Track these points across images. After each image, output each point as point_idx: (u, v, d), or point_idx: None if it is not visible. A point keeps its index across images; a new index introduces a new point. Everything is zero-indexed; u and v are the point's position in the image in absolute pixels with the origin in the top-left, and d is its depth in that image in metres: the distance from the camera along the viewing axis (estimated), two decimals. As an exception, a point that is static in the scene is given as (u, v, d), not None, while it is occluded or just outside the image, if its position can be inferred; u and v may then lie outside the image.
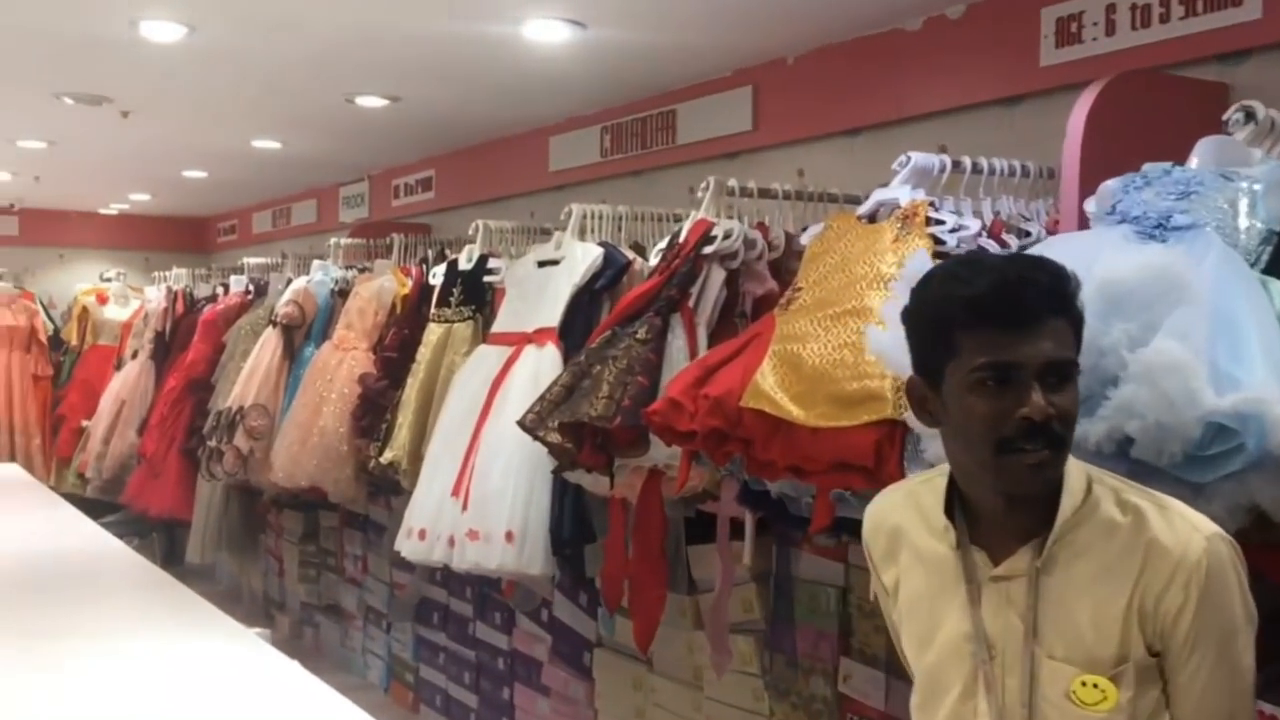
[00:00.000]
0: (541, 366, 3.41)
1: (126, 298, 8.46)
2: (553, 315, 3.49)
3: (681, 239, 3.09)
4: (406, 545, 3.54)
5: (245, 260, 6.58)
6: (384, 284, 4.77)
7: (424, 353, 4.20)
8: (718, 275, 2.93)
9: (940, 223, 2.36)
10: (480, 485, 3.33)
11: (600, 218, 3.71)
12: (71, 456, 7.76)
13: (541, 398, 2.95)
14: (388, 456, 4.15)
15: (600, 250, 3.49)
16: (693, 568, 3.42)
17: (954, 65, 3.14)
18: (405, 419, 4.14)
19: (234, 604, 7.03)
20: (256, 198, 7.88)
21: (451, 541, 3.38)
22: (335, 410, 4.57)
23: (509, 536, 3.23)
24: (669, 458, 2.72)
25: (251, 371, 5.20)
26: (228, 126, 5.27)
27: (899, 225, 2.40)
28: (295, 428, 4.64)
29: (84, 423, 7.79)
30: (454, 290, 4.22)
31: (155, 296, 7.68)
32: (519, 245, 4.34)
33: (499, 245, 4.29)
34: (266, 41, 3.88)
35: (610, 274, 3.48)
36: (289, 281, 5.80)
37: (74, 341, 8.47)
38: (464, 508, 3.35)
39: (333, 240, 5.43)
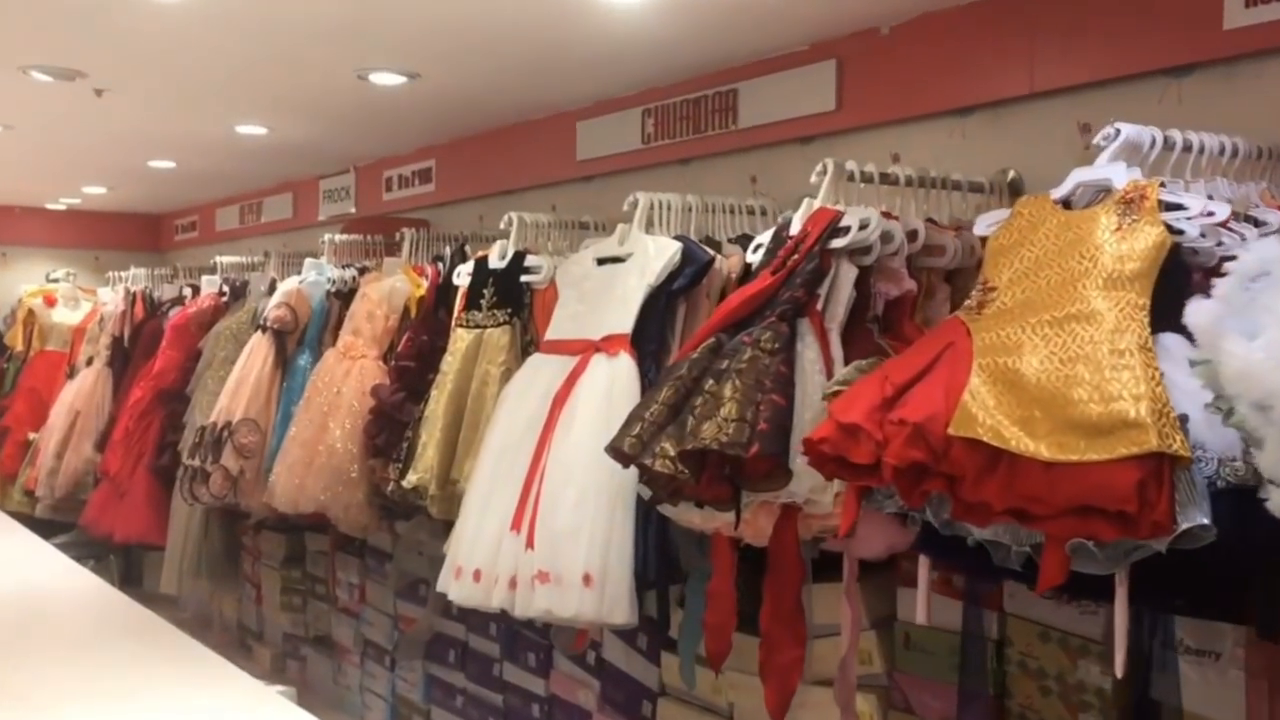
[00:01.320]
0: (615, 379, 2.95)
1: (77, 300, 7.83)
2: (623, 320, 3.02)
3: (793, 230, 2.65)
4: (455, 588, 3.06)
5: (218, 259, 6.02)
6: (395, 285, 4.27)
7: (450, 361, 3.71)
8: (848, 273, 2.49)
9: (1178, 207, 1.93)
10: (549, 519, 2.86)
11: (668, 209, 3.26)
12: (17, 472, 7.12)
13: (638, 417, 2.48)
14: (411, 480, 3.66)
15: (677, 245, 3.03)
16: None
17: (1105, 29, 2.73)
18: (430, 436, 3.65)
19: (203, 632, 6.46)
20: (223, 191, 7.30)
21: (513, 584, 2.90)
22: (344, 427, 4.07)
23: (587, 579, 2.76)
24: (812, 491, 2.28)
25: (239, 382, 4.67)
26: (212, 109, 4.73)
27: (1120, 211, 1.97)
28: (298, 446, 4.12)
29: (31, 435, 7.15)
30: (485, 291, 3.74)
31: (111, 298, 7.09)
32: (555, 241, 3.87)
33: (535, 241, 3.81)
34: (273, 6, 3.37)
35: (690, 272, 3.02)
36: (273, 282, 5.28)
37: (19, 347, 7.80)
38: (529, 544, 2.87)
39: (326, 236, 4.91)
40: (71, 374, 7.07)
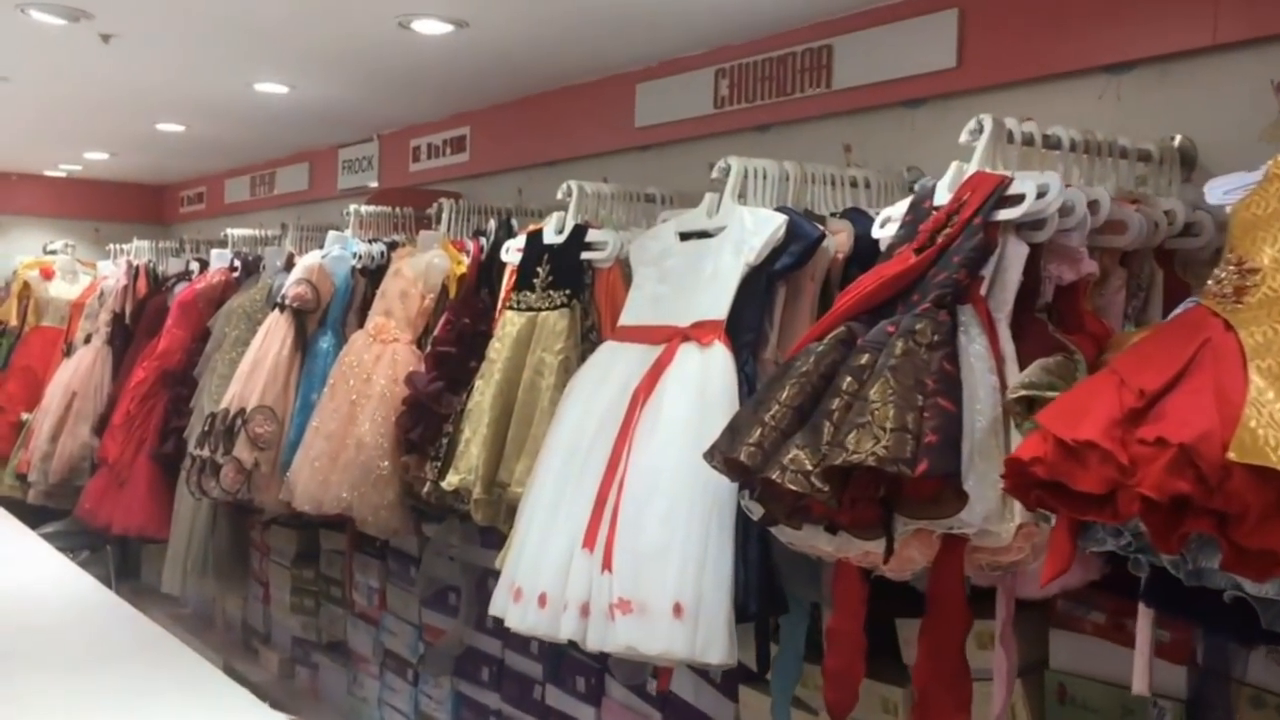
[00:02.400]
0: (710, 373, 2.51)
1: (75, 273, 7.36)
2: (716, 304, 2.58)
3: (938, 200, 2.21)
4: (515, 613, 2.62)
5: (229, 231, 5.58)
6: (433, 261, 3.82)
7: (498, 348, 3.28)
8: (1017, 251, 2.05)
9: None
10: (631, 536, 2.42)
11: (762, 177, 2.81)
12: (9, 454, 6.65)
13: (756, 422, 2.04)
14: (452, 480, 3.23)
15: (781, 218, 2.59)
16: (902, 647, 2.53)
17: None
18: (475, 432, 3.22)
19: (204, 631, 6.05)
20: (234, 161, 6.84)
21: (586, 611, 2.47)
22: (375, 418, 3.63)
23: (677, 610, 2.33)
24: (987, 520, 1.84)
25: (254, 366, 4.22)
26: (231, 62, 4.27)
27: None
28: (323, 439, 3.68)
29: (24, 415, 6.69)
30: (539, 269, 3.30)
31: (112, 272, 6.64)
32: (616, 214, 3.43)
33: (595, 214, 3.37)
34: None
35: (796, 250, 2.58)
36: (290, 257, 4.84)
37: (13, 322, 7.32)
38: (605, 566, 2.43)
39: (352, 207, 4.46)
40: (68, 352, 6.62)
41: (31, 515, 6.10)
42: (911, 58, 3.07)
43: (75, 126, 5.89)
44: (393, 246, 4.30)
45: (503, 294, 3.50)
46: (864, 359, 2.00)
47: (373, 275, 4.32)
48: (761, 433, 2.02)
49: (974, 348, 1.95)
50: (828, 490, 1.87)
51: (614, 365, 2.71)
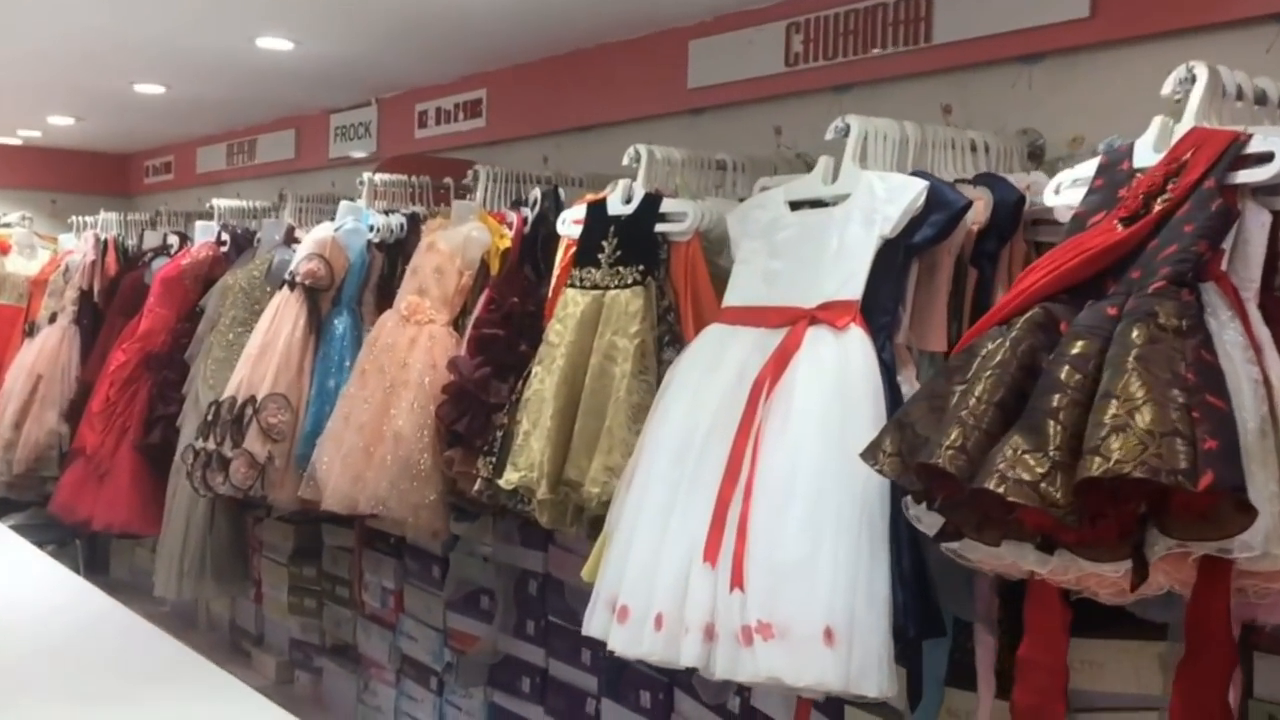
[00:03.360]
0: (848, 361, 2.19)
1: (34, 248, 6.87)
2: (849, 282, 2.27)
3: (1139, 161, 1.91)
4: (621, 635, 2.28)
5: (215, 202, 5.16)
6: (471, 234, 3.46)
7: (559, 330, 2.95)
8: (1259, 220, 1.76)
9: None
10: (765, 550, 2.10)
11: (882, 140, 2.50)
12: (-34, 442, 6.18)
13: (955, 420, 1.74)
14: (511, 478, 2.90)
15: (921, 184, 2.27)
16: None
17: None
18: (536, 424, 2.90)
19: (186, 632, 5.63)
20: (211, 127, 6.39)
21: (710, 633, 2.15)
22: (413, 408, 3.28)
23: (829, 635, 2.02)
24: (1271, 542, 1.54)
25: (263, 349, 3.85)
26: (235, 13, 3.87)
27: None
28: (354, 431, 3.32)
29: (-19, 400, 6.23)
30: (603, 244, 2.97)
31: (78, 247, 6.18)
32: (686, 181, 3.10)
33: (665, 181, 3.03)
34: None
35: (938, 221, 2.27)
36: (290, 230, 4.45)
37: (-34, 300, 6.85)
38: (735, 584, 2.11)
39: (366, 175, 4.08)
40: (31, 332, 6.16)
41: (-11, 507, 5.71)
42: (1033, 7, 2.76)
43: (43, 87, 5.43)
44: (414, 219, 3.94)
45: (557, 270, 3.16)
46: (1081, 346, 1.69)
47: (390, 250, 3.96)
48: (962, 433, 1.72)
49: (1227, 334, 1.65)
50: (1067, 504, 1.57)
51: (726, 351, 2.38)
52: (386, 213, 4.02)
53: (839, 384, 2.17)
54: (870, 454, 1.92)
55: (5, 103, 5.95)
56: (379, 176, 4.10)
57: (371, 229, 3.94)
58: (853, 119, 2.45)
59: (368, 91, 5.18)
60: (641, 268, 2.89)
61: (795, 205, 2.49)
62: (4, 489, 5.94)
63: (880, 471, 1.91)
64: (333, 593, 4.70)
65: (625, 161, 3.01)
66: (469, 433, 3.18)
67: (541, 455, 2.86)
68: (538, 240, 3.45)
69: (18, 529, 5.58)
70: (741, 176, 3.14)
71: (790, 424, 2.17)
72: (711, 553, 2.18)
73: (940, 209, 2.27)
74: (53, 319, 6.03)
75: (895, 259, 2.27)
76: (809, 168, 3.28)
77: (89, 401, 5.08)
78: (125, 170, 7.82)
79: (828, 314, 2.26)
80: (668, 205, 2.91)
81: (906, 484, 1.88)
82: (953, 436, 1.72)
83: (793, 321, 2.30)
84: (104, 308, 5.77)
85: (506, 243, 3.39)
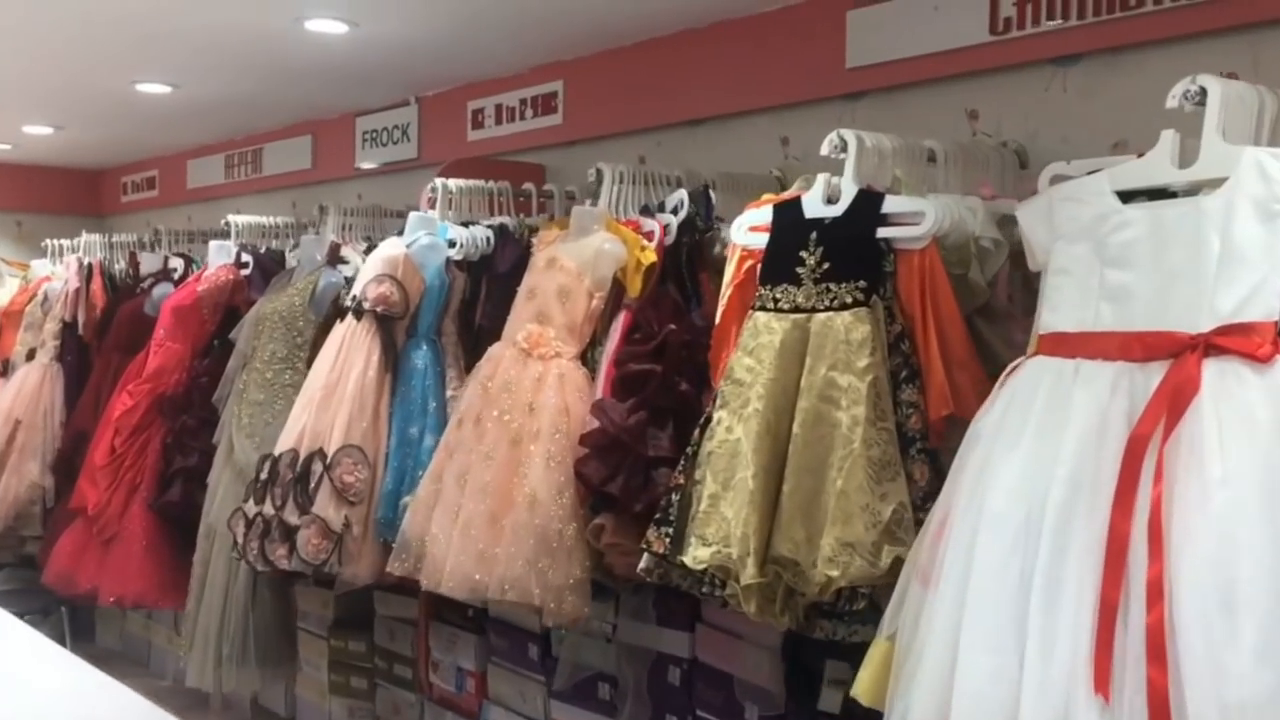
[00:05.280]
0: (1281, 405, 1.59)
1: (1, 275, 6.13)
2: (1254, 298, 1.67)
3: None
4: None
5: (231, 218, 4.46)
6: (603, 247, 2.82)
7: (750, 365, 2.34)
8: None
9: None
10: (1210, 684, 1.48)
11: (1239, 103, 1.90)
12: (-68, 498, 5.39)
13: None
14: (701, 555, 2.29)
15: (1345, 164, 1.68)
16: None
17: None
18: (729, 484, 2.30)
19: (195, 710, 4.87)
20: (211, 134, 5.66)
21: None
22: (548, 464, 2.63)
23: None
24: None
25: (328, 391, 3.18)
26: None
27: None
28: (474, 495, 2.66)
29: (-53, 449, 5.45)
30: (803, 254, 2.36)
31: (58, 273, 5.45)
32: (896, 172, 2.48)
33: (874, 176, 2.42)
34: None
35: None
36: (334, 248, 3.78)
37: (-75, 335, 6.06)
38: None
39: (438, 182, 3.43)
40: (5, 371, 5.42)
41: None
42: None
43: (24, 91, 4.69)
44: (502, 232, 3.30)
45: (728, 289, 2.54)
46: None
47: (473, 268, 3.32)
48: None
49: None
50: None
51: (1066, 395, 1.76)
52: (464, 224, 3.38)
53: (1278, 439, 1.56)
54: None
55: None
56: (452, 182, 3.45)
57: (452, 244, 3.29)
58: (1209, 80, 1.85)
59: (406, 89, 4.52)
60: (862, 284, 2.28)
61: (1126, 196, 1.89)
62: (-21, 550, 5.20)
63: None
64: (389, 672, 4.00)
65: (824, 151, 2.39)
66: (625, 495, 2.55)
67: (742, 526, 2.24)
68: (682, 252, 2.83)
69: (-4, 596, 4.89)
70: (953, 170, 2.53)
71: (1212, 497, 1.56)
72: (1102, 681, 1.57)
73: (1365, 197, 1.68)
74: (30, 355, 5.31)
75: (1308, 264, 1.68)
76: (1020, 159, 2.75)
77: (90, 453, 4.35)
78: (98, 188, 7.05)
79: (1234, 341, 1.65)
80: (893, 204, 2.31)
81: None
82: None
83: (1174, 353, 1.69)
84: (91, 341, 5.07)
85: (651, 257, 2.76)
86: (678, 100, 3.57)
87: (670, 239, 2.81)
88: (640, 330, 2.72)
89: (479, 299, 3.32)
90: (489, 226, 3.33)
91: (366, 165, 4.84)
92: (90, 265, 5.23)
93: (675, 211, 2.84)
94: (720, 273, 2.89)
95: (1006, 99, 2.76)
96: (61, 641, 5.05)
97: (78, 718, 2.10)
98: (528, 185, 3.61)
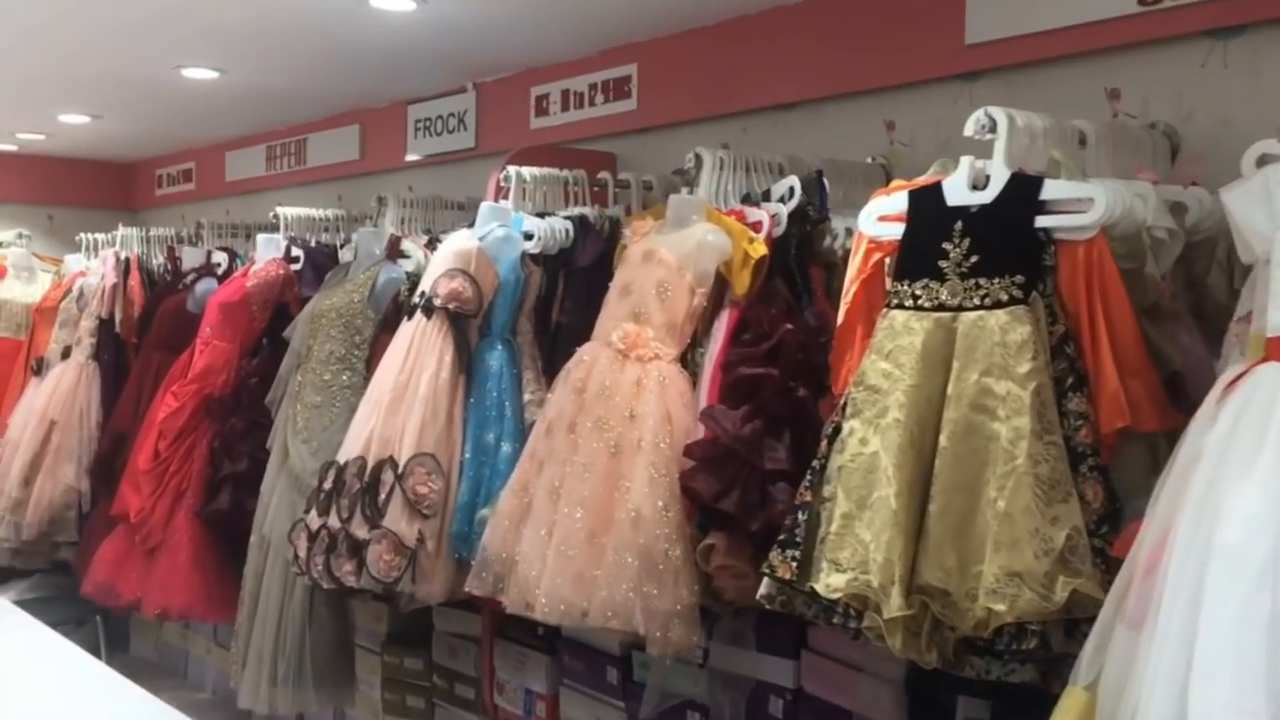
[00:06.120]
0: None
1: (33, 270, 5.91)
2: None
3: None
4: None
5: (280, 210, 4.24)
6: (705, 239, 2.57)
7: (887, 370, 2.11)
8: None
9: None
10: None
11: None
12: (-40, 500, 5.17)
13: None
14: (836, 583, 2.06)
15: None
16: None
17: None
18: (865, 503, 2.08)
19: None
20: (253, 125, 5.45)
21: None
22: (652, 478, 2.38)
23: None
24: None
25: (399, 394, 2.95)
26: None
27: None
28: (569, 510, 2.42)
29: (-21, 452, 5.24)
30: (946, 245, 2.11)
31: (94, 268, 5.24)
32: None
33: (1026, 158, 2.17)
34: None
35: None
36: (394, 240, 3.55)
37: (-48, 333, 5.84)
38: None
39: (511, 170, 3.19)
40: (39, 370, 5.19)
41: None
42: None
43: (64, 77, 4.46)
44: (583, 223, 3.06)
45: (852, 285, 2.29)
46: None
47: (549, 263, 3.08)
48: None
49: None
50: None
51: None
52: (540, 215, 3.14)
53: None
54: None
55: (10, 98, 4.97)
56: (527, 170, 3.21)
57: (528, 237, 3.05)
58: None
59: (464, 74, 4.28)
60: (1020, 279, 2.04)
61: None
62: (9, 556, 4.98)
63: None
64: (449, 691, 3.77)
65: (969, 131, 2.15)
66: (740, 513, 2.30)
67: (884, 550, 2.00)
68: (790, 245, 2.59)
69: (25, 604, 4.68)
70: (1104, 153, 2.28)
71: None
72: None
73: None
74: (66, 354, 5.09)
75: None
76: (1170, 142, 2.50)
77: (132, 457, 4.13)
78: (132, 181, 6.84)
79: None
80: (1055, 189, 2.06)
81: None
82: None
83: None
84: (129, 339, 4.85)
85: (761, 249, 2.51)
86: (766, 83, 3.33)
87: (780, 230, 2.56)
88: (749, 330, 2.48)
89: (555, 296, 3.09)
90: (567, 218, 3.09)
91: (423, 155, 4.60)
92: (128, 260, 5.01)
93: (784, 200, 2.60)
94: (829, 267, 2.68)
95: (1155, 76, 2.51)
96: (96, 652, 4.84)
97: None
98: (603, 174, 3.37)
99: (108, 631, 5.50)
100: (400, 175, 4.75)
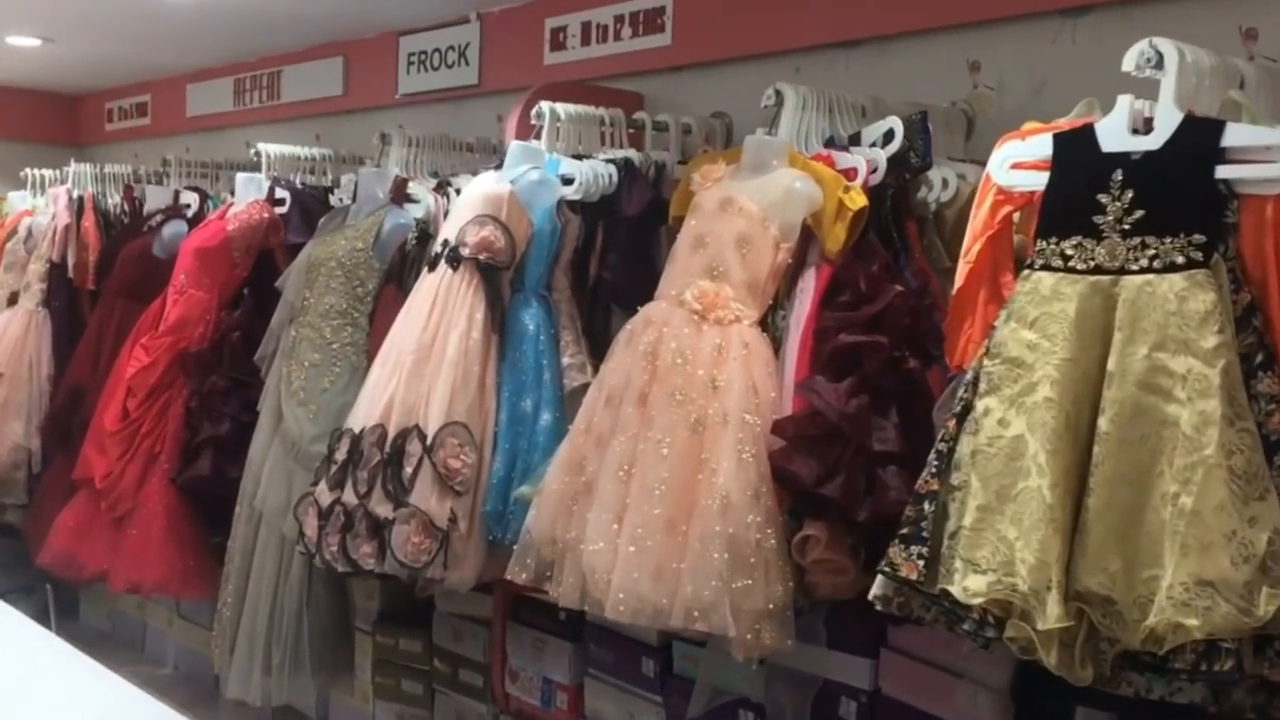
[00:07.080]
0: None
1: (-27, 211, 5.45)
2: None
3: None
4: None
5: (262, 147, 3.84)
6: (793, 187, 2.26)
7: (1031, 341, 1.86)
8: None
9: None
10: None
11: None
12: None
13: None
14: (976, 586, 1.79)
15: None
16: None
17: None
18: (1006, 495, 1.80)
19: (204, 705, 4.30)
20: (219, 54, 5.00)
21: None
22: (740, 458, 2.08)
23: None
24: None
25: (421, 355, 2.61)
26: None
27: None
28: (642, 495, 2.10)
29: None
30: (1103, 198, 1.83)
31: (43, 207, 4.81)
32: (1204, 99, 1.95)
33: (1194, 98, 1.88)
34: None
35: None
36: (401, 183, 3.19)
37: (-116, 276, 5.36)
38: None
39: (544, 106, 2.84)
40: (-16, 318, 4.76)
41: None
42: None
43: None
44: (628, 166, 2.74)
45: (975, 243, 2.00)
46: None
47: (588, 211, 2.75)
48: None
49: None
50: None
51: None
52: (576, 157, 2.80)
53: None
54: None
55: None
56: (562, 107, 2.86)
57: (567, 181, 2.72)
58: None
59: (466, 3, 3.90)
60: (1198, 238, 1.76)
61: None
62: (-47, 520, 4.58)
63: None
64: (452, 677, 3.46)
65: (1128, 66, 1.86)
66: (846, 500, 2.01)
67: (1036, 551, 1.73)
68: (886, 196, 2.29)
69: (-33, 573, 4.31)
70: (1265, 96, 2.00)
71: None
72: None
73: None
74: (12, 300, 4.69)
75: None
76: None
77: (96, 416, 3.74)
78: (78, 114, 6.33)
79: None
80: (1238, 135, 1.78)
81: None
82: None
83: None
84: (83, 285, 4.45)
85: (860, 200, 2.21)
86: (824, 17, 3.01)
87: (877, 178, 2.26)
88: (846, 291, 2.17)
89: (594, 248, 2.77)
90: (610, 161, 2.76)
91: (416, 90, 4.22)
92: (81, 199, 4.59)
93: (881, 145, 2.29)
94: (924, 220, 2.39)
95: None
96: (45, 622, 4.45)
97: (68, 714, 1.73)
98: (639, 115, 3.04)
99: (57, 599, 5.11)
100: (388, 113, 4.37)
